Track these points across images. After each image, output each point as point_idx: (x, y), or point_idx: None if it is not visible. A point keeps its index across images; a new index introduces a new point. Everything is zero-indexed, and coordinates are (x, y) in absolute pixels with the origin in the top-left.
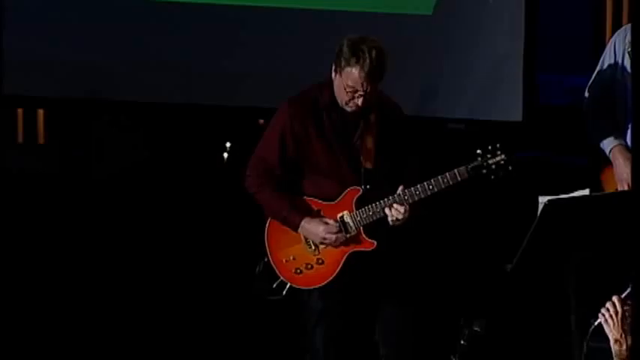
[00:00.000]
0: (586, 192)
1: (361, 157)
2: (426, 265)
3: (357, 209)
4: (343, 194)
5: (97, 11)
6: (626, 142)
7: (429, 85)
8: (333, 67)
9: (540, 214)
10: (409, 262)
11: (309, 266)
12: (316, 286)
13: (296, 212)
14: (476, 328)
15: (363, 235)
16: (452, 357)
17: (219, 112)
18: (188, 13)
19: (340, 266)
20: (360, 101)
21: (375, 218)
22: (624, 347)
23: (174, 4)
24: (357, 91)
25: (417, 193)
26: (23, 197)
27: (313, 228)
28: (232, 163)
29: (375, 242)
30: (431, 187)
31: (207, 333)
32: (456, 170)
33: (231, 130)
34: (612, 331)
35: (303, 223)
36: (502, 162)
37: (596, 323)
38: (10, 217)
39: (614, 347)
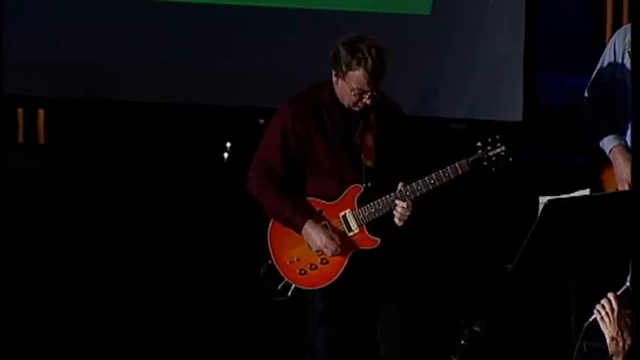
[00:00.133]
0: (586, 192)
1: (362, 156)
2: (426, 265)
3: (359, 207)
4: (345, 193)
5: (97, 11)
6: (626, 142)
7: (429, 85)
8: (334, 72)
9: (540, 214)
10: (411, 261)
11: (314, 266)
12: (321, 286)
13: (299, 214)
14: (476, 328)
15: (366, 233)
16: (452, 357)
17: (219, 112)
18: (188, 13)
19: (344, 265)
20: (368, 101)
21: (377, 215)
22: (620, 346)
23: (174, 4)
24: (363, 91)
25: (419, 188)
26: (23, 197)
27: (314, 235)
28: (232, 163)
29: (379, 239)
30: (432, 181)
31: (206, 333)
32: (456, 163)
33: (232, 130)
34: (608, 329)
35: (306, 226)
36: (502, 153)
37: (591, 319)
38: (10, 217)
39: (610, 345)
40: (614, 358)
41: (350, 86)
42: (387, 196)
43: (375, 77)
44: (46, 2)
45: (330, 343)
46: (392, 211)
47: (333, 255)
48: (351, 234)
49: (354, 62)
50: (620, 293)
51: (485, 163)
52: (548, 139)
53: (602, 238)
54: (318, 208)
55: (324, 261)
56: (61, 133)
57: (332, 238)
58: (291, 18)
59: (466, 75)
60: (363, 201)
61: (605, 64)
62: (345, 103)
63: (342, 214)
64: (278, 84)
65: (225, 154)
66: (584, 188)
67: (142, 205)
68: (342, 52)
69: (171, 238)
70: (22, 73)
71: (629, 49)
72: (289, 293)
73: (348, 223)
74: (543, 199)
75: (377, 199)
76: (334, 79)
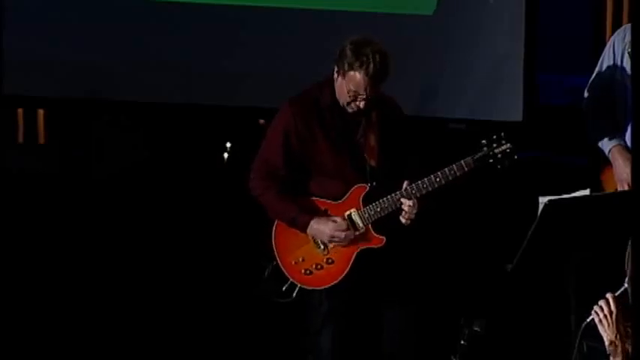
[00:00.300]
0: (586, 192)
1: (365, 155)
2: (426, 265)
3: (364, 206)
4: (349, 192)
5: (97, 11)
6: (625, 142)
7: (429, 85)
8: (336, 69)
9: (540, 214)
10: (415, 261)
11: (319, 266)
12: (327, 286)
13: (304, 213)
14: (476, 328)
15: (372, 232)
16: (452, 357)
17: (219, 112)
18: (188, 13)
19: (350, 264)
20: (362, 104)
21: (383, 214)
22: (619, 349)
23: (175, 4)
24: (359, 94)
25: (425, 186)
26: (23, 197)
27: (322, 227)
28: (233, 163)
29: (384, 238)
30: (438, 179)
31: (207, 334)
32: (462, 161)
33: (232, 130)
34: (607, 332)
35: (312, 223)
36: (508, 150)
37: (588, 320)
38: (10, 217)
39: (609, 349)
40: None
41: (347, 86)
42: (393, 194)
43: (373, 83)
44: (46, 2)
45: (334, 343)
46: (397, 209)
47: (343, 244)
48: (356, 233)
49: (357, 64)
50: (619, 294)
51: (491, 161)
52: (548, 139)
53: (602, 238)
54: (322, 208)
55: (330, 260)
56: (61, 133)
57: (340, 227)
58: (291, 18)
59: (466, 75)
60: (367, 200)
61: (604, 65)
62: (341, 102)
63: (347, 213)
64: (278, 84)
65: (225, 155)
66: (584, 188)
67: (142, 206)
68: (348, 52)
69: (172, 238)
70: (22, 73)
71: (629, 50)
72: (294, 294)
73: (353, 222)
74: (543, 200)
75: (382, 197)
76: (335, 75)
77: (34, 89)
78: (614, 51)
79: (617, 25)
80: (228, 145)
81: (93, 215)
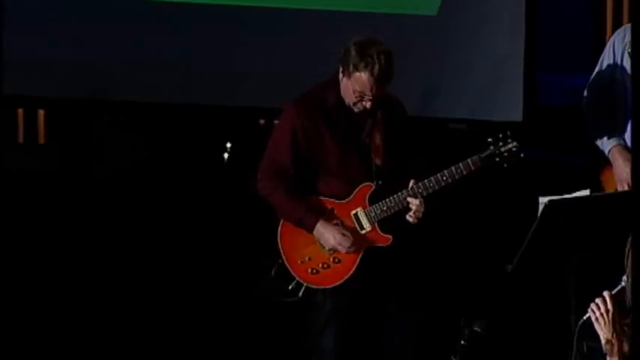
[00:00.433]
0: (586, 192)
1: (371, 154)
2: (427, 266)
3: (370, 205)
4: (356, 191)
5: (97, 11)
6: (625, 142)
7: (430, 85)
8: (341, 69)
9: (541, 214)
10: (418, 261)
11: (325, 265)
12: (334, 285)
13: (311, 214)
14: (476, 329)
15: (379, 231)
16: (452, 357)
17: (219, 113)
18: (188, 13)
19: (357, 263)
20: (368, 104)
21: (389, 213)
22: (616, 348)
23: (175, 4)
24: (365, 94)
25: (431, 185)
26: (23, 197)
27: (327, 234)
28: (233, 163)
29: (391, 237)
30: (444, 178)
31: (207, 334)
32: (469, 159)
33: (232, 130)
34: (603, 331)
35: (318, 225)
36: (514, 149)
37: (585, 318)
38: (11, 217)
39: (605, 347)
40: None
41: (353, 87)
42: (399, 193)
43: (379, 83)
44: (46, 2)
45: (337, 343)
46: (403, 208)
47: (347, 253)
48: (363, 232)
49: (362, 65)
50: (616, 292)
51: (497, 159)
52: (548, 140)
53: (603, 239)
54: (329, 207)
55: (336, 260)
56: (61, 133)
57: (345, 236)
58: (291, 18)
59: (466, 75)
60: (373, 199)
61: (604, 65)
62: (347, 102)
63: (353, 212)
64: (278, 84)
65: (226, 155)
66: (584, 188)
67: (142, 206)
68: (352, 53)
69: (172, 238)
70: (22, 73)
71: (629, 49)
72: (300, 293)
73: (360, 221)
74: (543, 200)
75: (388, 197)
76: (340, 75)
77: (34, 89)
78: (614, 51)
79: (617, 25)
80: (229, 145)
81: (93, 215)
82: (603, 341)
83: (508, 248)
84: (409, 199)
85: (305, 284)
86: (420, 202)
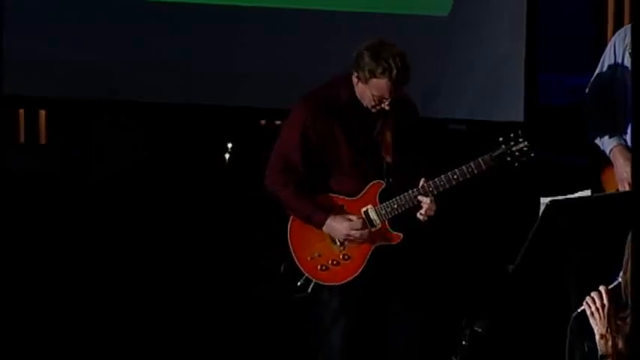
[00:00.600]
0: (587, 193)
1: (382, 152)
2: (428, 265)
3: (380, 203)
4: (366, 188)
5: (97, 11)
6: (626, 142)
7: (430, 85)
8: (355, 74)
9: (542, 214)
10: (423, 260)
11: (335, 262)
12: (343, 282)
13: (320, 210)
14: (477, 329)
15: (389, 229)
16: (453, 358)
17: (219, 113)
18: (188, 13)
19: (366, 260)
20: (387, 106)
21: (400, 211)
22: (610, 343)
23: (175, 4)
24: (384, 98)
25: (442, 183)
26: (24, 197)
27: (338, 225)
28: (234, 163)
29: (401, 235)
30: (455, 176)
31: (207, 335)
32: (480, 159)
33: (232, 130)
34: (598, 326)
35: (328, 220)
36: (525, 148)
37: (579, 310)
38: (11, 217)
39: (599, 342)
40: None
41: (371, 92)
42: (410, 191)
43: (397, 86)
44: (46, 2)
45: (344, 341)
46: (414, 206)
47: (359, 242)
48: (373, 229)
49: (379, 70)
50: (612, 288)
51: (509, 159)
52: (549, 140)
53: (604, 239)
54: (339, 204)
55: (346, 257)
56: (61, 133)
57: (356, 225)
58: (291, 18)
59: (467, 75)
60: (384, 197)
61: (605, 65)
62: (364, 103)
63: (364, 209)
64: (278, 84)
65: (227, 155)
66: (585, 189)
67: (143, 206)
68: (366, 58)
69: (172, 238)
70: (22, 73)
71: (630, 50)
72: (309, 289)
73: (370, 218)
74: (544, 200)
75: (398, 195)
76: (354, 79)
77: (34, 89)
78: (615, 51)
79: (618, 25)
80: (230, 145)
81: (93, 216)
82: (597, 336)
83: (509, 248)
84: (420, 197)
85: (314, 280)
86: (430, 200)
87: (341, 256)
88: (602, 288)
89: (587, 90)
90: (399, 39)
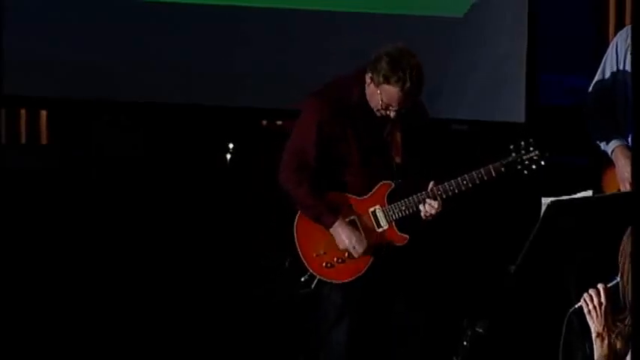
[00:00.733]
0: (589, 193)
1: (392, 152)
2: (429, 266)
3: (388, 204)
4: (375, 188)
5: (97, 11)
6: (628, 143)
7: (432, 86)
8: (369, 74)
9: (543, 214)
10: (426, 261)
11: (340, 260)
12: (347, 280)
13: (330, 214)
14: (478, 329)
15: (395, 230)
16: (454, 358)
17: (219, 113)
18: (188, 13)
19: (371, 261)
20: (392, 114)
21: (407, 213)
22: (606, 342)
23: (175, 4)
24: (391, 106)
25: (451, 188)
26: (25, 198)
27: (345, 235)
28: (234, 164)
29: (407, 236)
30: (465, 182)
31: (206, 334)
32: (490, 166)
33: (232, 130)
34: (595, 324)
35: (336, 224)
36: (535, 157)
37: (576, 306)
38: (11, 217)
39: (595, 341)
40: (599, 353)
41: (381, 96)
42: (419, 194)
43: (407, 98)
44: (46, 2)
45: (349, 337)
46: (420, 209)
47: (358, 257)
48: (380, 230)
49: (393, 78)
50: (610, 286)
51: (519, 167)
52: (550, 140)
53: (605, 239)
54: (348, 203)
55: (351, 255)
56: (62, 133)
57: (361, 241)
58: (292, 18)
59: (468, 76)
60: (392, 198)
61: (607, 65)
62: (372, 105)
63: (371, 209)
64: (278, 84)
65: (229, 155)
66: (586, 189)
67: (143, 206)
68: (384, 64)
69: (172, 238)
70: (22, 74)
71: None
72: (313, 285)
73: (377, 219)
74: (546, 201)
75: (407, 196)
76: (367, 79)
77: (33, 89)
78: (617, 52)
79: (619, 25)
80: (231, 146)
81: (93, 216)
82: (594, 334)
83: (511, 249)
84: (428, 200)
85: (318, 277)
86: (438, 204)
87: (346, 255)
88: (600, 286)
89: (589, 91)
90: (399, 39)
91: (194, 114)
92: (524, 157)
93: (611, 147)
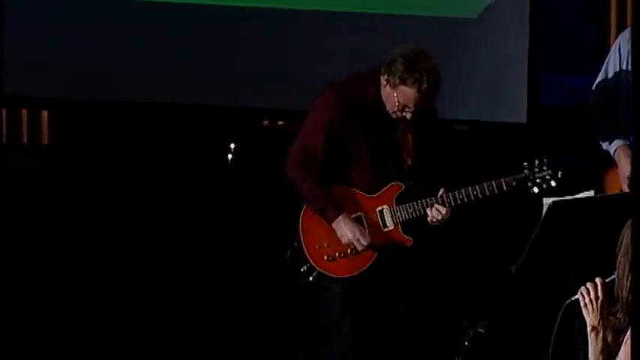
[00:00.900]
0: (591, 193)
1: (403, 154)
2: (431, 266)
3: (396, 205)
4: (385, 188)
5: (97, 11)
6: (630, 142)
7: None
8: (385, 76)
9: (545, 214)
10: (425, 261)
11: (342, 254)
12: (346, 276)
13: (334, 209)
14: (480, 330)
15: (400, 232)
16: (456, 358)
17: (218, 113)
18: (188, 13)
19: (374, 259)
20: (408, 116)
21: (413, 216)
22: (601, 335)
23: (175, 4)
24: (407, 107)
25: (461, 197)
26: (26, 198)
27: (347, 228)
28: (235, 164)
29: (411, 239)
30: (475, 192)
31: (206, 334)
32: (503, 180)
33: (232, 131)
34: (590, 317)
35: (340, 218)
36: (547, 177)
37: (573, 299)
38: (12, 217)
39: (590, 334)
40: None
41: (397, 97)
42: (428, 199)
43: (424, 100)
44: (46, 2)
45: (356, 331)
46: (427, 214)
47: (362, 250)
48: (385, 229)
49: (410, 80)
50: (609, 281)
51: (530, 184)
52: (550, 140)
53: (607, 239)
54: (356, 199)
55: (354, 251)
56: (62, 133)
57: (365, 235)
58: (292, 18)
59: (470, 76)
60: (401, 199)
61: (610, 66)
62: (387, 106)
63: (379, 208)
64: (278, 84)
65: (230, 155)
66: (588, 189)
67: (143, 206)
68: (400, 65)
69: (173, 238)
70: (22, 73)
71: None
72: (311, 278)
73: (384, 218)
74: (547, 201)
75: (415, 199)
76: (383, 81)
77: (33, 89)
78: (620, 52)
79: (620, 25)
80: (232, 146)
81: (93, 216)
82: (589, 327)
83: (512, 249)
84: (437, 206)
85: (318, 269)
86: (446, 211)
87: (349, 250)
88: (598, 280)
89: (592, 91)
90: (399, 40)
91: (194, 114)
92: (537, 175)
93: (613, 147)
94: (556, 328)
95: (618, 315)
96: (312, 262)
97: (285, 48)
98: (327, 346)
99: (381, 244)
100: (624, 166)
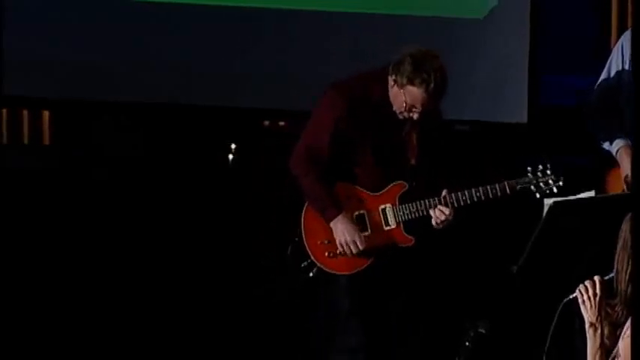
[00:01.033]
0: (592, 193)
1: (408, 153)
2: (431, 266)
3: (399, 204)
4: (388, 187)
5: (97, 11)
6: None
7: None
8: (392, 77)
9: (546, 215)
10: (431, 260)
11: (343, 252)
12: (346, 273)
13: (334, 208)
14: (480, 330)
15: (402, 231)
16: (456, 359)
17: (218, 113)
18: (188, 13)
19: (374, 257)
20: (415, 116)
21: (416, 215)
22: (599, 332)
23: (175, 4)
24: (415, 107)
25: (464, 198)
26: (25, 198)
27: (343, 229)
28: (235, 164)
29: (413, 239)
30: (478, 194)
31: (206, 334)
32: (506, 182)
33: (233, 131)
34: (588, 314)
35: (339, 217)
36: (550, 181)
37: (571, 297)
38: (12, 217)
39: (588, 331)
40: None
41: (405, 98)
42: (432, 199)
43: (431, 100)
44: (46, 2)
45: (366, 326)
46: (429, 214)
47: (352, 256)
48: (387, 228)
49: (418, 80)
50: (607, 279)
51: (533, 188)
52: (550, 140)
53: (608, 240)
54: (359, 197)
55: (346, 252)
56: (62, 133)
57: (355, 242)
58: (291, 18)
59: (470, 76)
60: (404, 199)
61: (612, 66)
62: (394, 108)
63: (382, 207)
64: (278, 84)
65: (229, 155)
66: (589, 189)
67: (143, 206)
68: (407, 65)
69: (173, 238)
70: (22, 74)
71: None
72: (312, 274)
73: (386, 217)
74: (548, 201)
75: (418, 199)
76: (390, 82)
77: (33, 89)
78: (623, 52)
79: (622, 25)
80: (233, 146)
81: (93, 216)
82: (587, 324)
83: (513, 249)
84: (440, 206)
85: (318, 265)
86: (450, 211)
87: (343, 251)
88: (596, 278)
89: (594, 91)
90: (400, 40)
91: (194, 114)
92: (540, 180)
93: (615, 147)
94: (553, 325)
95: (616, 308)
96: (312, 257)
97: (285, 48)
98: (335, 343)
99: (383, 242)
100: (626, 167)
